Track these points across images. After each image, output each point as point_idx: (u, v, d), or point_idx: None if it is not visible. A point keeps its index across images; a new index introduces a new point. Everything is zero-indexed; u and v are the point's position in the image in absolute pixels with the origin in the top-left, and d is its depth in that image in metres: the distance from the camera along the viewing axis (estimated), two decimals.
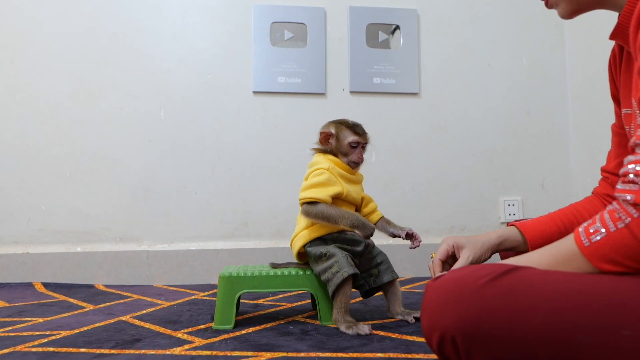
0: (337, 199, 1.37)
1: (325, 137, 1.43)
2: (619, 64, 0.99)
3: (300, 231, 1.42)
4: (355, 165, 1.42)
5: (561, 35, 2.56)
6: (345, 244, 1.38)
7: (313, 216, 1.34)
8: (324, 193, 1.33)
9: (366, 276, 1.42)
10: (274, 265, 1.47)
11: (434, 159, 2.43)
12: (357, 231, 1.31)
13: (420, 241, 1.42)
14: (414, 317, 1.36)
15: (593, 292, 0.69)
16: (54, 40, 2.24)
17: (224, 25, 2.34)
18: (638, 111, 0.74)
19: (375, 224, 1.46)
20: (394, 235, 1.45)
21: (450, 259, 1.09)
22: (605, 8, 0.90)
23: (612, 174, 1.09)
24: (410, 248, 1.42)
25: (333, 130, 1.42)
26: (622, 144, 1.06)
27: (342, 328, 1.26)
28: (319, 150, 1.46)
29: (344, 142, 1.40)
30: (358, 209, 1.46)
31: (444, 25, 2.48)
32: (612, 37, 0.91)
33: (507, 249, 1.10)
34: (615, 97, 1.05)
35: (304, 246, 1.40)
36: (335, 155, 1.42)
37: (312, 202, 1.34)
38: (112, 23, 2.28)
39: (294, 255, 1.45)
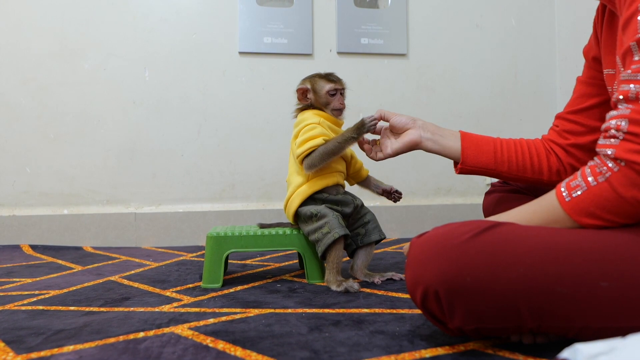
0: None
1: (302, 94, 1.42)
2: (600, 24, 0.99)
3: (296, 189, 1.39)
4: (339, 112, 1.41)
5: None
6: (335, 204, 1.38)
7: (318, 162, 1.32)
8: (318, 142, 1.32)
9: (353, 235, 1.43)
10: (262, 226, 1.48)
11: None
12: (363, 131, 1.26)
13: (399, 194, 1.48)
14: (380, 279, 1.37)
15: (572, 245, 0.71)
16: None
17: None
18: (622, 68, 0.74)
19: (364, 181, 1.51)
20: (380, 193, 1.49)
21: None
22: None
23: (562, 119, 1.12)
24: (393, 200, 1.48)
25: (308, 85, 1.41)
26: (585, 93, 1.09)
27: (333, 287, 1.28)
28: (301, 108, 1.44)
29: (322, 93, 1.39)
30: (348, 164, 1.46)
31: None
32: None
33: (438, 147, 1.15)
34: (595, 57, 1.06)
35: (300, 205, 1.39)
36: (319, 109, 1.41)
37: (310, 153, 1.33)
38: None
39: (290, 216, 1.42)
